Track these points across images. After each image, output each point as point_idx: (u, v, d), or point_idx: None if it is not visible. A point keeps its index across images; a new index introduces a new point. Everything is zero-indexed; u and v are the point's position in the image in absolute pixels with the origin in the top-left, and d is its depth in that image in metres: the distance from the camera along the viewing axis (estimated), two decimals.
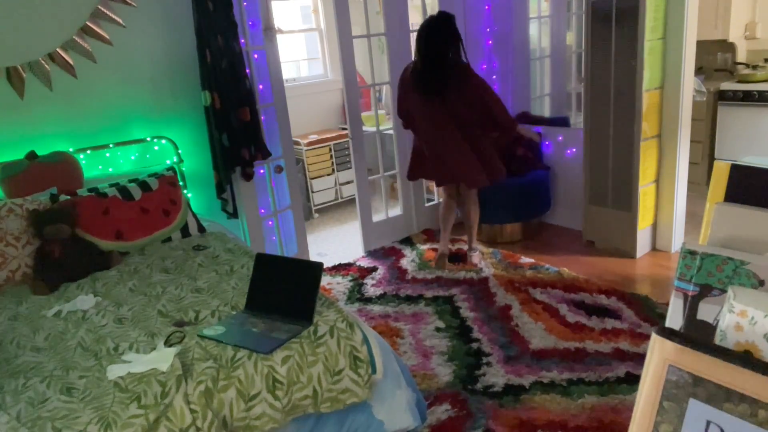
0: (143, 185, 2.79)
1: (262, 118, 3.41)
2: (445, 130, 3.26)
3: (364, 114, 4.63)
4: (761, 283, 1.07)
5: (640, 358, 2.48)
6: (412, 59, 3.35)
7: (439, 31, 3.15)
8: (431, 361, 2.63)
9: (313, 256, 4.05)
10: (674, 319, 1.16)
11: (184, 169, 3.22)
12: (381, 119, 4.75)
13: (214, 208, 3.31)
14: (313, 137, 5.14)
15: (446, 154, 3.32)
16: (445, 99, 3.19)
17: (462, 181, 3.46)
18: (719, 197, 1.33)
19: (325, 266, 2.96)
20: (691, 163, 3.82)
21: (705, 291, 1.12)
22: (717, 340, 0.98)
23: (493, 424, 2.16)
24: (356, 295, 3.40)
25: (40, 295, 2.25)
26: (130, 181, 2.81)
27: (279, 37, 4.20)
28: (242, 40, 3.19)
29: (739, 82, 4.33)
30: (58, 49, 2.81)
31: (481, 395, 2.35)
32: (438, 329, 2.91)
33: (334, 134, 5.24)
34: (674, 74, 3.35)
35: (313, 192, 5.10)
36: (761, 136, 4.18)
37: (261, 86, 3.42)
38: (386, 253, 3.99)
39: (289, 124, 3.62)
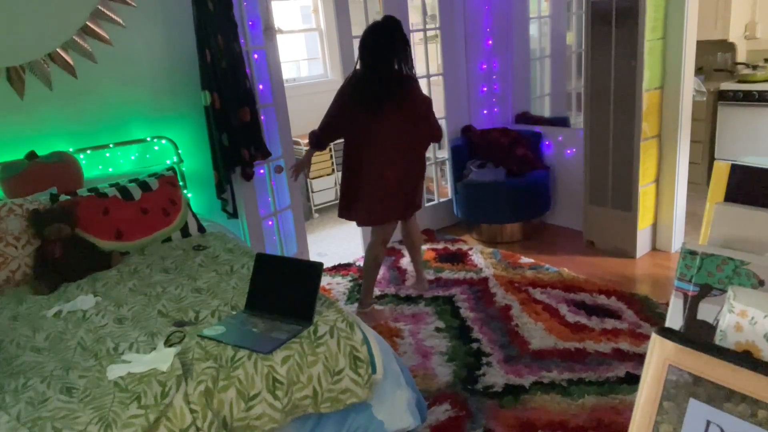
0: (143, 185, 2.79)
1: (262, 118, 3.41)
2: (396, 153, 2.88)
3: None
4: (761, 283, 1.07)
5: (640, 358, 2.48)
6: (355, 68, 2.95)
7: (387, 39, 2.79)
8: (431, 361, 2.63)
9: (313, 256, 4.05)
10: (674, 319, 1.16)
11: (184, 169, 3.22)
12: None
13: (214, 208, 3.30)
14: None
15: (403, 181, 2.94)
16: (390, 115, 2.81)
17: (413, 209, 3.11)
18: (719, 197, 1.33)
19: (325, 266, 2.96)
20: (691, 163, 3.81)
21: (705, 291, 1.12)
22: (717, 340, 0.98)
23: (493, 424, 2.16)
24: (356, 295, 3.40)
25: (40, 295, 2.25)
26: (130, 181, 2.81)
27: (279, 37, 4.20)
28: (242, 40, 3.19)
29: (739, 82, 4.33)
30: (58, 49, 2.81)
31: (481, 395, 2.34)
32: (438, 329, 2.91)
33: None
34: (674, 74, 3.35)
35: (313, 192, 5.10)
36: (761, 136, 4.17)
37: (261, 86, 3.42)
38: (386, 253, 3.98)
39: (289, 124, 3.62)
